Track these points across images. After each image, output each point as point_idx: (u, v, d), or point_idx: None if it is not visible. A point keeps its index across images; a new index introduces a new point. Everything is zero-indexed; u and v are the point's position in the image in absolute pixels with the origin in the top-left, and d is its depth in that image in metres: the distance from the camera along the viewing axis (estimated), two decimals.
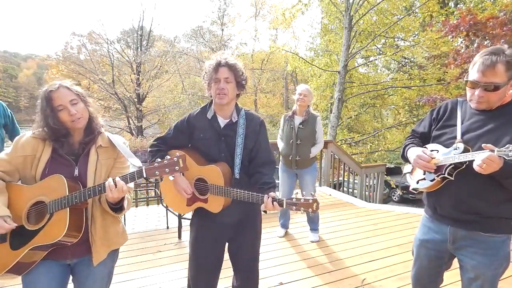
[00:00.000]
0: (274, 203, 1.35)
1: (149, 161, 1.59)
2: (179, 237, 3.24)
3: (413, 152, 1.38)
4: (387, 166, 7.51)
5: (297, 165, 3.19)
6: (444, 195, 1.35)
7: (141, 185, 5.09)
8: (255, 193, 1.40)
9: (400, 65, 14.79)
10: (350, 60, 10.33)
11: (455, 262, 1.47)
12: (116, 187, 1.19)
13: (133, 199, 4.58)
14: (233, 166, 1.54)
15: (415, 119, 12.03)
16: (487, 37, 5.03)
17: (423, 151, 1.35)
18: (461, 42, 6.06)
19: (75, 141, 1.33)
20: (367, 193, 5.83)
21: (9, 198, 1.28)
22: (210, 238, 1.60)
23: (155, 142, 1.65)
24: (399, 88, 11.33)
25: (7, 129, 2.82)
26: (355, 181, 6.05)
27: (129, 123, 16.47)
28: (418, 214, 4.09)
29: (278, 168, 4.66)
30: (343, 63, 9.87)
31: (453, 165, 1.26)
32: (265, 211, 1.43)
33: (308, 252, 3.01)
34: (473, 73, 1.26)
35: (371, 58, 13.25)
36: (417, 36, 11.52)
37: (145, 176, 1.21)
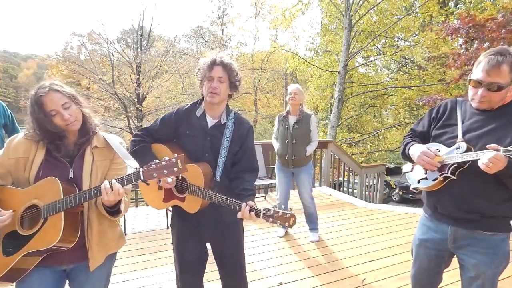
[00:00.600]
0: (251, 212, 1.32)
1: (129, 150, 1.54)
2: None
3: (417, 149, 1.37)
4: (387, 166, 7.51)
5: (293, 164, 3.21)
6: (446, 194, 1.34)
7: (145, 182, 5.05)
8: (233, 200, 1.37)
9: (400, 65, 14.78)
10: (350, 60, 10.33)
11: (455, 262, 1.47)
12: (112, 190, 1.15)
13: (133, 199, 4.58)
14: (215, 168, 1.51)
15: (415, 119, 12.03)
16: (486, 39, 5.04)
17: (428, 148, 1.34)
18: (461, 44, 6.05)
19: (69, 143, 1.30)
20: (367, 193, 5.83)
21: (1, 202, 1.23)
22: (190, 238, 1.58)
23: (140, 133, 1.60)
24: (399, 88, 11.34)
25: (7, 129, 2.83)
26: (355, 181, 6.05)
27: (129, 123, 16.45)
28: (418, 214, 4.09)
29: (274, 167, 4.68)
30: (343, 63, 9.87)
31: (456, 164, 1.26)
32: (241, 219, 1.39)
33: (308, 252, 3.02)
34: (477, 72, 1.26)
35: (371, 58, 13.25)
36: (417, 36, 11.53)
37: (142, 178, 1.16)
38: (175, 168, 1.15)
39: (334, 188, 5.74)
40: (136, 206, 4.48)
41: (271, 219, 1.32)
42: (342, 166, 5.76)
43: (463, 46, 5.91)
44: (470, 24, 5.09)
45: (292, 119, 3.19)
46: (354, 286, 2.45)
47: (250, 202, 1.36)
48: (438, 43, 9.27)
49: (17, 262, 1.19)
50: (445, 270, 1.51)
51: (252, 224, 3.57)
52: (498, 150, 1.11)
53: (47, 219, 1.19)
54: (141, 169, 1.17)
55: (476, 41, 5.33)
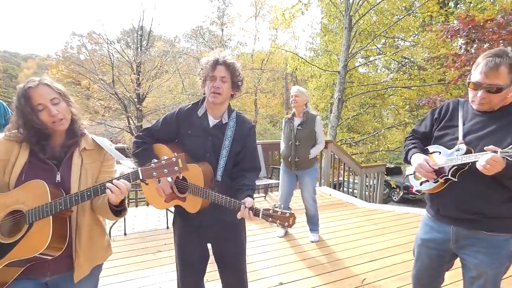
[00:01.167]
0: (250, 212, 1.32)
1: (132, 152, 1.54)
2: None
3: (416, 159, 1.40)
4: (387, 166, 7.51)
5: (296, 166, 3.19)
6: (447, 196, 1.35)
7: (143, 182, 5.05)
8: (233, 200, 1.37)
9: (400, 65, 14.79)
10: (350, 60, 10.34)
11: (455, 261, 1.47)
12: (120, 190, 1.09)
13: (133, 199, 4.58)
14: (216, 167, 1.51)
15: (415, 119, 12.04)
16: (486, 40, 5.04)
17: (426, 160, 1.36)
18: (461, 46, 6.06)
19: (56, 144, 1.22)
20: (367, 193, 5.84)
21: None
22: (192, 238, 1.59)
23: (141, 134, 1.60)
24: (399, 88, 11.34)
25: None
26: (355, 181, 6.06)
27: (129, 123, 16.44)
28: (418, 214, 4.09)
29: (274, 167, 4.67)
30: (343, 63, 9.87)
31: (456, 167, 1.27)
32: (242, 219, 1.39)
33: (308, 252, 3.02)
34: (476, 74, 1.26)
35: (371, 58, 13.26)
36: (417, 36, 11.53)
37: (141, 178, 1.11)
38: (175, 167, 1.11)
39: (334, 188, 5.74)
40: (136, 206, 4.48)
41: (270, 218, 1.31)
42: (342, 166, 5.77)
43: (463, 47, 5.91)
44: (470, 25, 5.09)
45: (296, 121, 3.19)
46: (354, 286, 2.45)
47: (249, 201, 1.36)
48: (438, 43, 9.27)
49: None
50: (447, 270, 1.51)
51: (252, 224, 3.57)
52: (495, 152, 1.11)
53: (33, 225, 1.09)
54: (139, 169, 1.13)
55: (476, 42, 5.33)
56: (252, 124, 1.65)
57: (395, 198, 12.53)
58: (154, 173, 1.11)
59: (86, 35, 15.67)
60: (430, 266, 1.49)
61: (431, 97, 6.72)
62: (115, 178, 1.12)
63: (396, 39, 11.88)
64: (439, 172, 1.33)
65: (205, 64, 1.49)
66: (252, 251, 2.99)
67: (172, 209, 1.67)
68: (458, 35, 5.36)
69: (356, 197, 5.34)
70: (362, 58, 13.27)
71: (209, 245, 1.67)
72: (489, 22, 5.00)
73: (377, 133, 13.51)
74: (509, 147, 1.10)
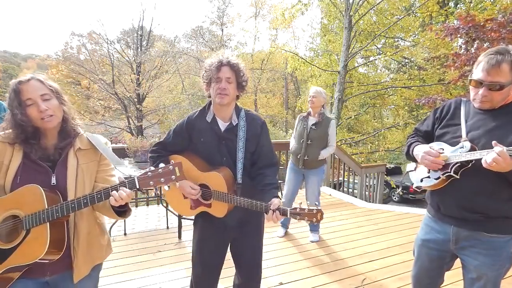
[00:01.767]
0: (277, 213, 1.34)
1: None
2: (179, 237, 3.24)
3: (420, 149, 1.38)
4: (387, 167, 7.51)
5: (304, 165, 3.19)
6: (449, 193, 1.34)
7: (141, 191, 5.05)
8: (259, 202, 1.38)
9: (400, 65, 14.80)
10: (350, 60, 10.34)
11: (456, 262, 1.47)
12: (123, 198, 1.09)
13: (133, 199, 4.58)
14: (235, 170, 1.51)
15: (415, 119, 12.03)
16: (486, 39, 5.04)
17: (431, 147, 1.34)
18: (461, 45, 6.05)
19: (48, 145, 1.18)
20: (367, 193, 5.83)
21: None
22: (214, 238, 1.60)
23: (155, 148, 1.62)
24: (399, 88, 11.34)
25: None
26: (355, 181, 6.05)
27: (129, 123, 16.45)
28: (418, 214, 4.09)
29: (280, 168, 4.59)
30: (343, 63, 9.88)
31: (459, 164, 1.26)
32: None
33: (308, 252, 3.02)
34: (478, 72, 1.26)
35: (371, 58, 13.26)
36: (417, 36, 11.53)
37: (138, 186, 1.10)
38: (172, 176, 1.10)
39: (334, 188, 5.73)
40: (136, 206, 4.47)
41: (298, 216, 1.33)
42: (342, 166, 5.76)
43: (463, 46, 5.91)
44: (470, 25, 5.08)
45: (311, 120, 3.19)
46: (354, 286, 2.45)
47: (275, 202, 1.37)
48: (438, 43, 9.27)
49: None
50: (447, 271, 1.51)
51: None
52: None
53: (30, 231, 1.08)
54: (136, 177, 1.11)
55: (476, 41, 5.33)
56: (263, 120, 1.63)
57: (395, 198, 12.53)
58: (150, 182, 1.10)
59: (86, 35, 15.68)
60: (430, 267, 1.48)
61: (430, 97, 6.71)
62: (114, 188, 1.10)
63: (396, 39, 11.88)
64: (441, 168, 1.31)
65: (209, 66, 1.48)
66: None
67: (177, 212, 1.68)
68: (458, 35, 5.35)
69: (356, 197, 5.33)
70: (362, 58, 13.28)
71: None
72: (489, 21, 4.99)
73: (377, 133, 13.52)
74: None
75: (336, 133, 3.37)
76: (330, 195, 5.10)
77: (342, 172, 5.87)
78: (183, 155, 1.58)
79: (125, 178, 1.17)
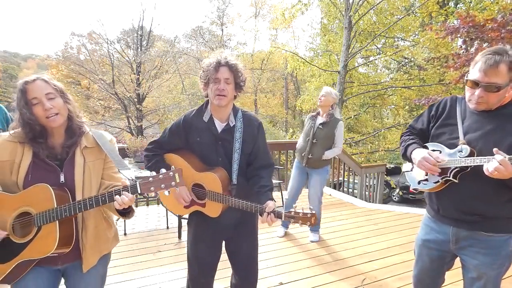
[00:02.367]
0: (272, 216, 1.35)
1: (145, 166, 1.57)
2: (179, 237, 3.24)
3: (418, 154, 1.34)
4: (387, 166, 7.51)
5: (307, 163, 3.19)
6: (447, 196, 1.34)
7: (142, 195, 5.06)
8: (254, 204, 1.39)
9: (400, 65, 14.79)
10: (350, 60, 10.33)
11: (456, 262, 1.47)
12: (125, 203, 1.14)
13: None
14: (231, 171, 1.51)
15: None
16: (486, 39, 5.03)
17: (429, 153, 1.31)
18: (461, 45, 6.03)
19: (56, 144, 1.23)
20: (367, 193, 5.83)
21: None
22: (208, 236, 1.60)
23: (150, 147, 1.61)
24: (399, 88, 11.34)
25: None
26: (355, 181, 6.05)
27: (129, 123, 16.46)
28: (418, 214, 4.09)
29: (280, 168, 4.63)
30: (343, 63, 9.87)
31: (458, 168, 1.25)
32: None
33: (308, 252, 3.01)
34: (475, 72, 1.22)
35: (371, 58, 13.25)
36: (417, 36, 11.52)
37: (139, 192, 1.14)
38: (172, 182, 1.14)
39: (334, 188, 5.73)
40: (136, 206, 4.48)
41: (292, 219, 1.34)
42: (342, 166, 5.76)
43: (463, 46, 5.90)
44: (470, 24, 5.08)
45: (319, 120, 3.19)
46: (354, 286, 2.45)
47: (270, 205, 1.37)
48: (438, 43, 9.27)
49: (12, 269, 1.18)
50: (447, 270, 1.51)
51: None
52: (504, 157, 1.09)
53: (41, 228, 1.15)
54: (138, 182, 1.15)
55: (476, 41, 5.32)
56: (259, 121, 1.63)
57: (395, 198, 12.53)
58: (151, 188, 1.14)
59: (86, 35, 15.70)
60: (431, 267, 1.48)
61: (430, 97, 6.70)
62: (117, 192, 1.15)
63: (396, 39, 11.87)
64: (440, 172, 1.30)
65: (207, 66, 1.46)
66: None
67: (170, 210, 1.68)
68: (458, 34, 5.34)
69: (356, 197, 5.33)
70: (362, 58, 13.27)
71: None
72: (489, 21, 4.99)
73: (377, 133, 13.51)
74: None
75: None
76: (330, 195, 5.10)
77: (342, 172, 5.87)
78: (179, 153, 1.57)
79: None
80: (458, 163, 1.24)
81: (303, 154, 3.21)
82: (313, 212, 1.33)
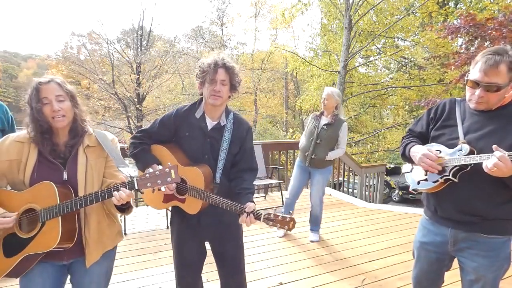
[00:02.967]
0: (251, 217, 1.36)
1: (129, 153, 1.56)
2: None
3: (418, 151, 1.34)
4: (387, 166, 7.51)
5: (310, 163, 3.19)
6: (446, 196, 1.33)
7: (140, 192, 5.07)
8: (234, 203, 1.40)
9: (400, 65, 14.79)
10: (350, 60, 10.33)
11: (455, 262, 1.47)
12: (123, 198, 1.19)
13: (133, 199, 4.57)
14: (215, 169, 1.52)
15: (415, 119, 12.00)
16: (487, 38, 5.01)
17: (430, 150, 1.31)
18: (461, 45, 6.03)
19: (60, 143, 1.30)
20: (367, 193, 5.83)
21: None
22: (190, 237, 1.60)
23: (139, 135, 1.60)
24: (399, 88, 11.34)
25: (5, 135, 2.64)
26: (355, 181, 6.05)
27: (129, 123, 16.46)
28: (418, 214, 4.09)
29: (274, 167, 4.64)
30: (343, 63, 9.87)
31: (458, 167, 1.25)
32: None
33: (308, 252, 3.02)
34: (475, 72, 1.23)
35: (371, 58, 13.25)
36: (417, 36, 11.52)
37: (136, 187, 1.18)
38: (168, 178, 1.18)
39: (334, 188, 5.74)
40: (136, 206, 4.48)
41: (271, 222, 1.35)
42: (342, 166, 5.77)
43: (463, 46, 5.88)
44: (471, 24, 5.06)
45: (323, 120, 3.19)
46: (354, 286, 2.45)
47: (250, 205, 1.38)
48: (438, 43, 9.26)
49: (18, 263, 1.23)
50: (446, 271, 1.51)
51: (252, 224, 3.56)
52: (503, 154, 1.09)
53: (45, 223, 1.21)
54: (135, 179, 1.20)
55: (477, 40, 5.30)
56: (249, 125, 1.66)
57: (395, 198, 12.53)
58: (148, 184, 1.19)
59: (86, 35, 15.69)
60: (429, 269, 1.48)
61: (430, 99, 6.68)
62: (115, 188, 1.20)
63: (396, 39, 11.87)
64: (440, 171, 1.29)
65: (206, 66, 1.48)
66: (252, 251, 2.98)
67: (147, 204, 1.67)
68: (459, 34, 5.32)
69: (356, 197, 5.34)
70: (362, 58, 13.27)
71: (207, 244, 1.68)
72: (489, 20, 4.97)
73: (377, 133, 13.51)
74: None
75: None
76: (330, 195, 5.10)
77: (342, 172, 5.87)
78: (166, 146, 1.57)
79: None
80: (457, 161, 1.24)
81: (306, 154, 3.20)
82: (292, 216, 1.34)
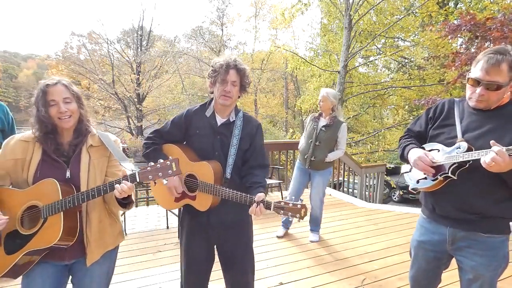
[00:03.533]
0: (261, 206, 1.35)
1: (142, 153, 1.61)
2: (179, 237, 3.24)
3: (414, 154, 1.37)
4: (387, 166, 7.51)
5: (310, 165, 3.18)
6: (445, 195, 1.34)
7: (141, 185, 5.09)
8: (243, 194, 1.39)
9: (400, 65, 14.78)
10: (350, 60, 10.33)
11: (454, 262, 1.47)
12: (124, 191, 1.20)
13: (133, 193, 4.57)
14: (225, 165, 1.54)
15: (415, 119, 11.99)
16: (488, 38, 5.00)
17: (425, 153, 1.33)
18: (461, 44, 6.02)
19: (64, 142, 1.32)
20: (367, 193, 5.83)
21: (1, 202, 1.27)
22: (200, 237, 1.60)
23: (151, 135, 1.65)
24: (399, 88, 11.33)
25: (4, 135, 2.59)
26: (355, 181, 6.05)
27: (129, 123, 16.48)
28: (418, 214, 4.05)
29: (274, 167, 4.63)
30: (343, 63, 9.87)
31: (456, 164, 1.25)
32: (250, 218, 1.41)
33: (308, 252, 3.02)
34: (476, 71, 1.24)
35: (371, 58, 13.25)
36: (417, 36, 11.52)
37: (138, 180, 1.20)
38: (169, 171, 1.19)
39: (334, 188, 5.74)
40: (136, 206, 4.48)
41: (282, 211, 1.33)
42: (342, 166, 5.77)
43: (463, 45, 5.87)
44: (472, 23, 5.05)
45: (322, 122, 3.18)
46: (354, 286, 2.45)
47: (259, 195, 1.38)
48: (438, 43, 9.26)
49: (18, 260, 1.23)
50: (444, 271, 1.51)
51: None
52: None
53: (47, 219, 1.22)
54: (137, 172, 1.21)
55: (477, 40, 5.29)
56: (259, 122, 1.69)
57: (395, 198, 12.53)
58: (150, 176, 1.20)
59: (86, 35, 15.70)
60: (427, 268, 1.48)
61: (430, 97, 6.67)
62: (116, 181, 1.21)
63: (396, 39, 11.87)
64: (438, 169, 1.30)
65: (217, 66, 1.52)
66: None
67: (175, 210, 1.68)
68: (459, 34, 5.31)
69: (356, 197, 5.34)
70: (362, 58, 13.26)
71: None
72: (489, 20, 4.97)
73: (377, 133, 13.51)
74: None
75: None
76: (330, 195, 5.10)
77: (342, 172, 5.87)
78: (177, 145, 1.61)
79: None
80: (456, 158, 1.24)
81: (305, 156, 3.20)
82: (303, 203, 1.32)
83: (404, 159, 1.49)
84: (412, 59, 12.57)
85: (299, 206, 1.31)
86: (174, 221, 3.52)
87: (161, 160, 1.21)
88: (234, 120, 1.58)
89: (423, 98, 7.20)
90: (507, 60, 1.18)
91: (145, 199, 4.83)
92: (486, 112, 1.29)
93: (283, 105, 23.18)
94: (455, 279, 2.17)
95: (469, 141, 1.27)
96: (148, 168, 1.20)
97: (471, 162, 1.22)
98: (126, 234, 3.32)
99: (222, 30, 22.17)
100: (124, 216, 3.37)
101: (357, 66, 12.77)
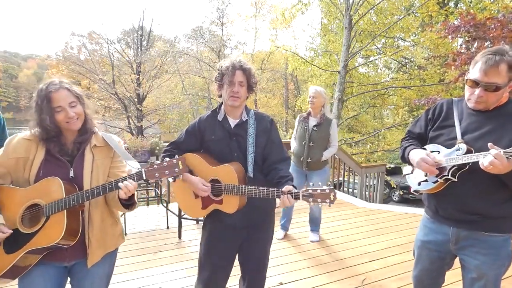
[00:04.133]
0: (289, 196, 1.34)
1: None
2: (179, 237, 3.25)
3: (417, 154, 1.36)
4: (387, 166, 7.51)
5: (307, 166, 3.18)
6: (446, 196, 1.34)
7: (141, 185, 5.09)
8: (270, 189, 1.39)
9: (400, 65, 14.79)
10: (350, 60, 10.33)
11: (456, 262, 1.47)
12: (128, 189, 1.20)
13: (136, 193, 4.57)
14: (246, 164, 1.54)
15: (415, 119, 11.99)
16: (488, 38, 5.00)
17: (427, 154, 1.33)
18: (461, 44, 6.01)
19: (67, 141, 1.32)
20: (367, 193, 5.83)
21: (1, 201, 1.26)
22: (223, 240, 1.60)
23: (168, 147, 1.66)
24: (399, 88, 11.34)
25: None
26: (355, 181, 6.05)
27: (129, 123, 16.46)
28: (418, 214, 4.09)
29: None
30: (343, 63, 9.87)
31: (456, 166, 1.25)
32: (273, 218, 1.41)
33: (308, 252, 3.02)
34: (475, 72, 1.24)
35: (371, 58, 13.25)
36: (417, 36, 11.53)
37: (144, 178, 1.20)
38: (176, 169, 1.19)
39: (334, 188, 5.71)
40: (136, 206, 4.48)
41: (311, 198, 1.32)
42: (342, 166, 5.76)
43: (463, 45, 5.87)
44: (471, 23, 5.05)
45: (312, 121, 3.16)
46: (354, 286, 2.45)
47: (287, 186, 1.37)
48: (438, 43, 9.26)
49: (18, 260, 1.21)
50: (447, 270, 1.51)
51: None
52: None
53: (49, 218, 1.21)
54: (143, 170, 1.21)
55: (477, 40, 5.29)
56: (271, 118, 1.69)
57: (395, 198, 12.53)
58: (156, 174, 1.20)
59: (86, 35, 15.68)
60: (431, 268, 1.48)
61: (430, 97, 6.67)
62: (121, 180, 1.22)
63: (396, 39, 11.87)
64: (440, 171, 1.31)
65: (223, 68, 1.53)
66: None
67: (175, 210, 1.68)
68: (459, 34, 5.31)
69: (356, 197, 5.34)
70: (362, 58, 13.27)
71: None
72: (489, 20, 4.96)
73: (377, 133, 13.51)
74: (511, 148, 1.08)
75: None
76: None
77: (342, 172, 5.87)
78: (195, 153, 1.61)
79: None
80: (455, 161, 1.25)
81: (301, 159, 3.19)
82: (331, 187, 1.30)
83: (405, 160, 1.49)
84: (412, 59, 12.57)
85: (327, 190, 1.29)
86: (174, 221, 3.52)
87: (167, 159, 1.22)
88: (247, 119, 1.60)
89: (423, 98, 7.19)
90: (505, 60, 1.17)
91: (145, 199, 4.83)
92: (485, 113, 1.29)
93: (283, 105, 23.18)
94: (457, 278, 2.18)
95: (468, 142, 1.27)
96: (155, 166, 1.20)
97: (470, 164, 1.22)
98: (126, 234, 3.32)
99: (222, 30, 22.17)
100: (124, 216, 3.37)
101: (357, 66, 12.77)
